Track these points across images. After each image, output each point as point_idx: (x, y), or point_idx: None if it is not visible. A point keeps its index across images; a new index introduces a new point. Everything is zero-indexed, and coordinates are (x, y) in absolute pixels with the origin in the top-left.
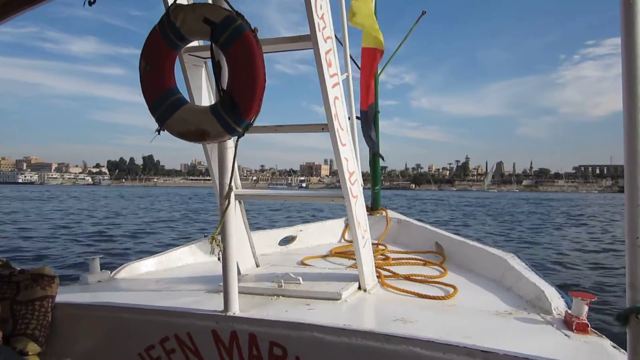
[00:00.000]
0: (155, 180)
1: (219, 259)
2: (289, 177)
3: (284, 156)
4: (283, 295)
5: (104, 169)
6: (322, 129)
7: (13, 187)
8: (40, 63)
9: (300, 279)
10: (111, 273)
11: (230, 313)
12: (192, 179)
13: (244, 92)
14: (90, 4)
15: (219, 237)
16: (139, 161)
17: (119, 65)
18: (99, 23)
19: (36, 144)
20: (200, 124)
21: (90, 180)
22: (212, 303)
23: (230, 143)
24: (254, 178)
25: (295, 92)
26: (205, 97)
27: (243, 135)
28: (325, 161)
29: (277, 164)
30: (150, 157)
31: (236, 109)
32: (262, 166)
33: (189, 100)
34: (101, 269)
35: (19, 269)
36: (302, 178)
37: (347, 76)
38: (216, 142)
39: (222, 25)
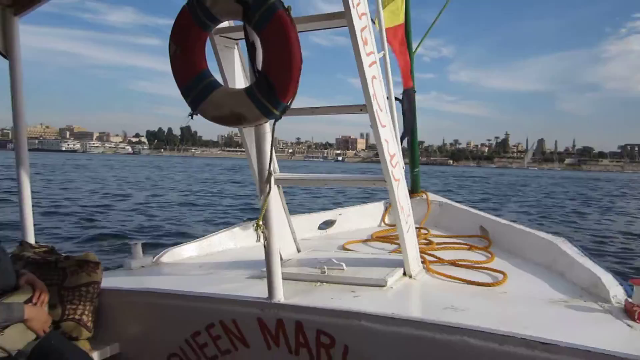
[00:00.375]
0: (193, 150)
1: (265, 245)
2: (325, 151)
3: (320, 129)
4: (327, 282)
5: (143, 139)
6: (361, 110)
7: (58, 155)
8: (79, 33)
9: (344, 264)
10: (154, 258)
11: (275, 300)
12: (229, 150)
13: (280, 74)
14: None
15: (262, 224)
16: (176, 132)
17: (156, 36)
18: None
19: (78, 113)
20: (236, 108)
21: (130, 149)
22: (256, 289)
23: (267, 127)
24: (290, 151)
25: (330, 64)
26: (240, 79)
27: (280, 118)
28: (362, 135)
29: (313, 137)
30: (188, 128)
31: (273, 91)
32: (297, 139)
33: (222, 83)
34: (144, 254)
35: (64, 255)
36: (338, 151)
37: (384, 54)
38: (252, 126)
39: (255, 5)
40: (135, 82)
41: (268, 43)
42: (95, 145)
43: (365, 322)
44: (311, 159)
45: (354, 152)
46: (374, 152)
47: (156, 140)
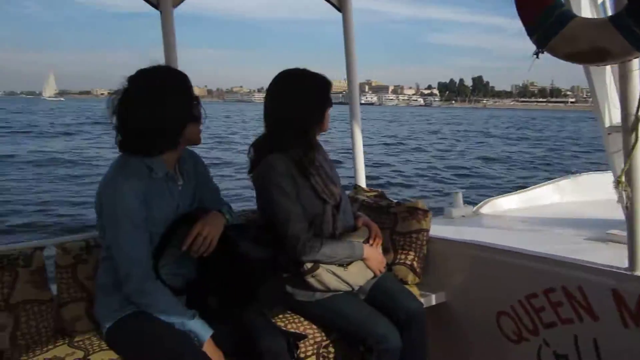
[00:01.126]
0: (484, 102)
1: (626, 207)
2: None
3: None
4: None
5: (435, 91)
6: None
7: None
8: None
9: None
10: (474, 208)
11: (638, 273)
12: (522, 101)
13: None
14: None
15: (625, 181)
16: (468, 82)
17: None
18: None
19: (376, 67)
20: (597, 41)
21: (422, 101)
22: (603, 255)
23: (635, 64)
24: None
25: None
26: (586, 8)
27: None
28: None
29: None
30: (480, 77)
31: None
32: None
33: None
34: (464, 203)
35: (395, 201)
36: None
37: None
38: (616, 62)
39: None
40: (430, 35)
41: None
42: (390, 97)
43: None
44: None
45: None
46: None
47: (447, 92)
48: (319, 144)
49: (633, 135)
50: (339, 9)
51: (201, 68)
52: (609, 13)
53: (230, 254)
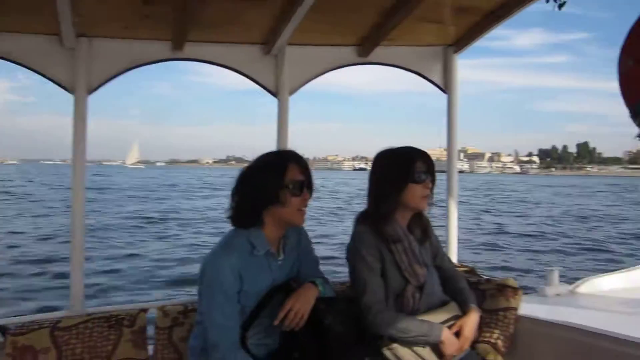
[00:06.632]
0: (588, 169)
1: None
2: None
3: None
4: None
5: (534, 158)
6: None
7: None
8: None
9: None
10: (570, 287)
11: None
12: (632, 168)
13: None
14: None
15: None
16: (572, 149)
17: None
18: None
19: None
20: None
21: (518, 169)
22: None
23: None
24: None
25: None
26: None
27: None
28: None
29: None
30: (585, 143)
31: None
32: None
33: None
34: (560, 281)
35: (485, 277)
36: None
37: None
38: None
39: None
40: (538, 102)
41: None
42: (482, 165)
43: None
44: None
45: None
46: None
47: (549, 159)
48: (421, 224)
49: None
50: (444, 91)
51: (309, 142)
52: None
53: (315, 326)
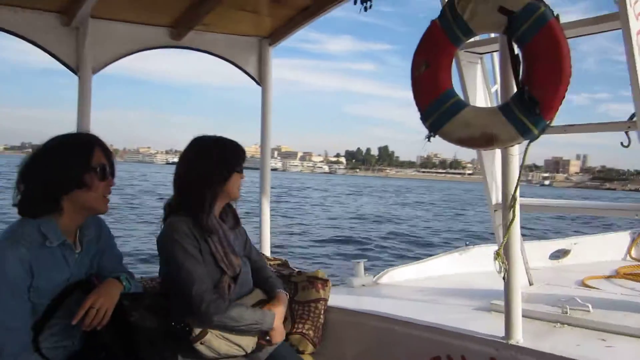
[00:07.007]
0: (387, 171)
1: (504, 278)
2: (530, 174)
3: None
4: (568, 324)
5: (342, 159)
6: (629, 127)
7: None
8: (303, 62)
9: (589, 305)
10: (374, 277)
11: (512, 341)
12: (424, 171)
13: (546, 89)
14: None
15: (503, 254)
16: (375, 151)
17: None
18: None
19: (288, 133)
20: (488, 127)
21: (327, 168)
22: (485, 324)
23: (516, 149)
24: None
25: None
26: (481, 97)
27: (537, 138)
28: (578, 157)
29: None
30: (386, 147)
31: (534, 108)
32: None
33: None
34: (365, 272)
35: (296, 270)
36: (546, 175)
37: None
38: (504, 147)
39: (523, 15)
40: (349, 106)
41: (534, 56)
42: (294, 164)
43: None
44: None
45: (565, 175)
46: (590, 176)
47: (354, 160)
48: (231, 211)
49: (511, 213)
50: (258, 83)
51: (120, 129)
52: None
53: (121, 323)
